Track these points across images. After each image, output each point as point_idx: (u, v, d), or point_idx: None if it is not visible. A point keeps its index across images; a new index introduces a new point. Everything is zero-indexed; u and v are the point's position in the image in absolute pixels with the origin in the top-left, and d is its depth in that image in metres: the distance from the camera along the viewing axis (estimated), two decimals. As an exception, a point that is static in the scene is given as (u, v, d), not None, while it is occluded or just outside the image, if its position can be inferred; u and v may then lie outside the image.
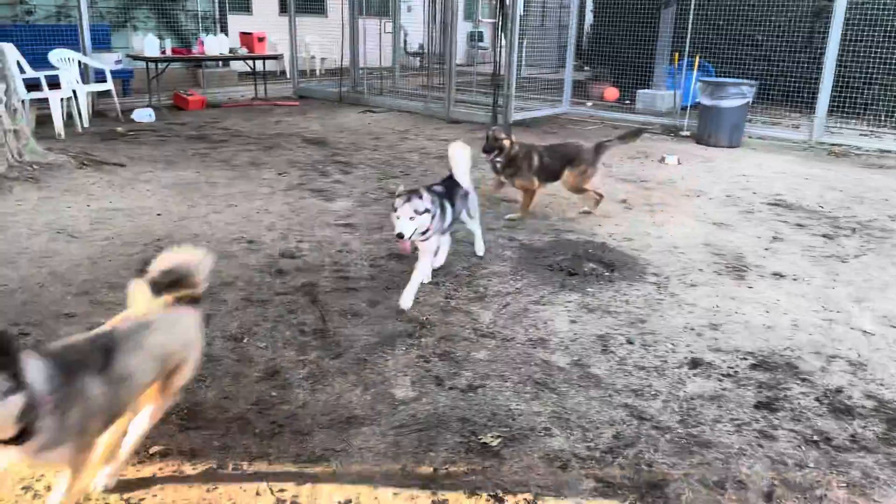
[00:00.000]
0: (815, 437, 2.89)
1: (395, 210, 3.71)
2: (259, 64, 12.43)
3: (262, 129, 9.66)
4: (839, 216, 6.13)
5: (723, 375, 3.36)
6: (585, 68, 14.56)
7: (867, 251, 5.22)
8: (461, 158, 4.28)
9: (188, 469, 2.53)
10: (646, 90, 12.03)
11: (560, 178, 5.79)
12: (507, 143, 5.56)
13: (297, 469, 2.57)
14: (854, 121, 10.36)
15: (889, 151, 9.17)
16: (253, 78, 12.54)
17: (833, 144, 9.38)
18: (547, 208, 6.05)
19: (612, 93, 12.94)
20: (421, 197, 3.72)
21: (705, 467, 2.66)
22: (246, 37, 12.11)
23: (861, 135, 9.92)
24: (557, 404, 3.06)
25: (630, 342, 3.67)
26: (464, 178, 4.31)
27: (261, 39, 12.05)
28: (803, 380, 3.35)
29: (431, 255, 4.09)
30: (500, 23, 10.62)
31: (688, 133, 10.07)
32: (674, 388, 3.22)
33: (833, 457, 2.77)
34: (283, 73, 15.57)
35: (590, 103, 12.52)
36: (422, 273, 4.01)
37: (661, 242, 5.28)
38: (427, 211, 3.74)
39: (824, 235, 5.58)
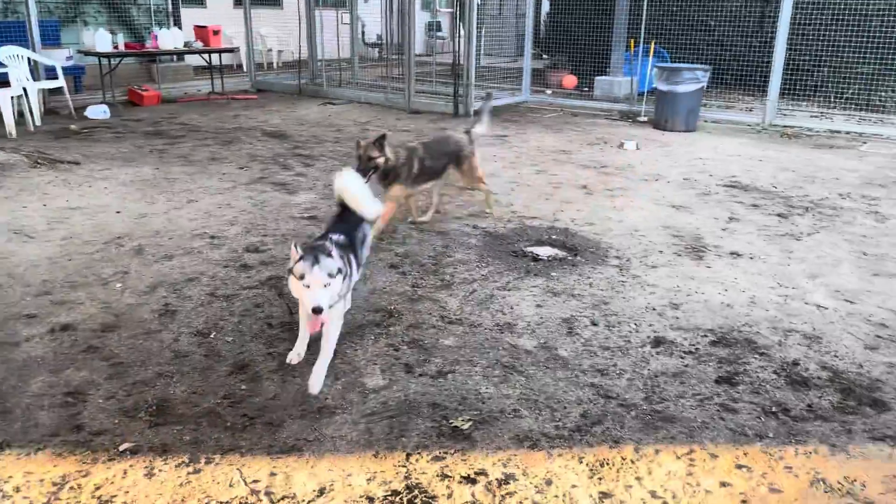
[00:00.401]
0: (774, 409, 2.99)
1: (301, 277, 2.82)
2: (215, 58, 12.25)
3: (220, 123, 9.53)
4: (792, 196, 6.30)
5: (685, 353, 3.46)
6: (544, 56, 14.66)
7: (820, 229, 5.39)
8: (357, 189, 3.43)
9: (159, 464, 2.52)
10: (603, 77, 12.17)
11: (441, 177, 5.34)
12: (380, 160, 4.79)
13: (271, 460, 2.58)
14: (805, 103, 10.63)
15: (839, 132, 9.43)
16: (209, 72, 12.35)
17: (785, 126, 9.62)
18: (510, 195, 6.11)
19: (570, 80, 13.06)
20: (331, 254, 2.90)
21: (670, 441, 2.75)
22: (200, 30, 11.91)
23: (812, 116, 10.20)
24: (526, 386, 3.12)
25: (594, 324, 3.74)
26: (367, 209, 3.44)
27: (216, 32, 11.86)
28: (761, 354, 3.46)
29: (341, 321, 3.21)
30: (459, 12, 10.62)
31: (645, 118, 10.23)
32: (638, 367, 3.30)
33: (791, 427, 2.87)
34: (239, 66, 15.36)
35: (549, 91, 12.62)
36: (331, 349, 3.13)
37: (621, 226, 5.37)
38: (340, 271, 2.93)
39: (779, 215, 5.74)
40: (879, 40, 9.81)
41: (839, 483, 2.52)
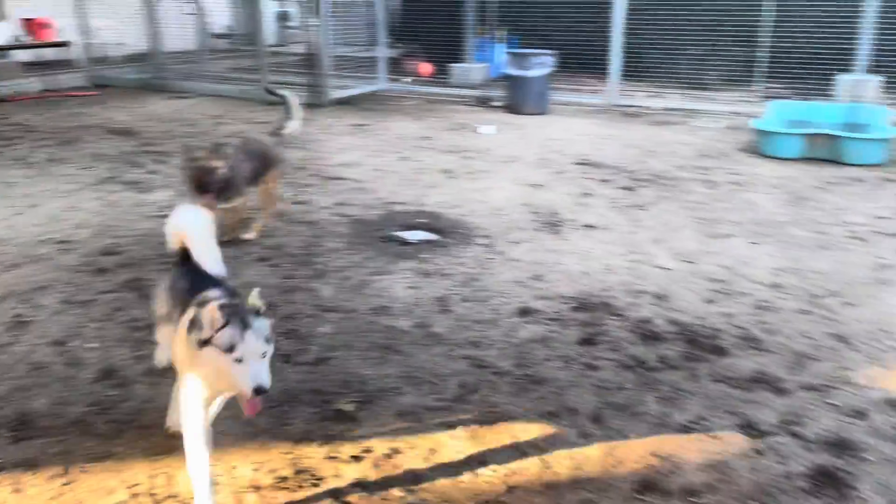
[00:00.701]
0: (631, 363, 3.27)
1: (230, 349, 2.04)
2: (49, 53, 11.35)
3: (58, 122, 8.88)
4: (636, 170, 6.79)
5: (549, 320, 3.68)
6: (398, 45, 14.74)
7: (661, 199, 5.86)
8: (202, 231, 2.55)
9: (28, 479, 2.39)
10: (458, 64, 12.43)
11: (257, 184, 4.71)
12: (224, 171, 4.21)
13: (150, 462, 2.51)
14: (643, 83, 11.40)
15: (674, 109, 10.20)
16: (41, 68, 11.43)
17: (627, 106, 10.28)
18: (375, 182, 6.16)
19: (426, 68, 13.23)
20: (260, 312, 2.15)
21: (541, 401, 2.94)
22: (27, 23, 11.00)
23: (649, 96, 10.95)
24: (405, 364, 3.21)
25: (466, 300, 3.89)
26: (212, 260, 2.52)
27: (45, 25, 11.00)
28: (617, 315, 3.75)
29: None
30: (311, 1, 10.47)
31: (500, 103, 10.57)
32: (508, 336, 3.49)
33: (646, 377, 3.15)
34: (74, 61, 14.30)
35: (408, 79, 12.73)
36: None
37: (485, 206, 5.58)
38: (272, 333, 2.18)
39: (625, 188, 6.17)
40: (705, 22, 10.68)
41: (690, 421, 2.81)
